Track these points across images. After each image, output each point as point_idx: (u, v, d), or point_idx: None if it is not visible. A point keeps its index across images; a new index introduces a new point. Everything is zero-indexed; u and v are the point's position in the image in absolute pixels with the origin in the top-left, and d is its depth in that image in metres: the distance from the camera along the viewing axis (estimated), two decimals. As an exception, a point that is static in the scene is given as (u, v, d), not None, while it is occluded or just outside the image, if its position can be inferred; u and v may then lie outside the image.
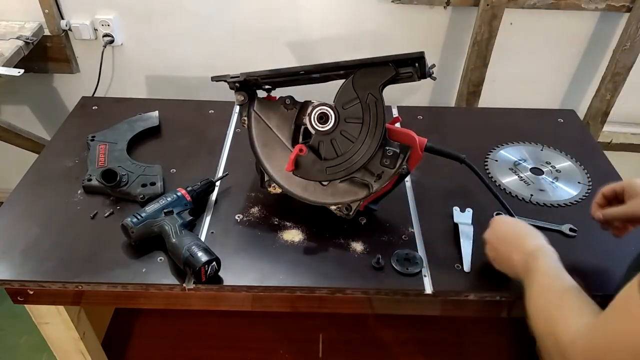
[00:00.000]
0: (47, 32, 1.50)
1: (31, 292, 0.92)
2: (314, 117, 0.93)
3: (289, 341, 1.31)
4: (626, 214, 0.83)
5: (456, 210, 1.01)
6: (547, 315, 0.66)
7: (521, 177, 1.13)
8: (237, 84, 0.96)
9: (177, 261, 0.89)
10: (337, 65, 0.91)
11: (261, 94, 1.01)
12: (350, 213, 0.95)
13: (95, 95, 1.56)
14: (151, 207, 0.94)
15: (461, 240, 0.95)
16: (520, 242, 0.81)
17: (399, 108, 1.35)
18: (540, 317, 0.67)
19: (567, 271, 0.72)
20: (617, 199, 0.87)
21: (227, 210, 1.03)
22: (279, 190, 0.99)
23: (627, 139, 1.65)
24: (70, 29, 1.51)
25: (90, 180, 1.06)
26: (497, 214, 0.99)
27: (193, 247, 0.87)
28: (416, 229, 0.99)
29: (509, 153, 1.20)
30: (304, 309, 0.94)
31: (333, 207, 0.96)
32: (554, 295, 0.68)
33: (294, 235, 0.98)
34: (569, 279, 0.71)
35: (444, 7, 1.42)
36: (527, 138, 1.24)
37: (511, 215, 0.97)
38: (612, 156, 1.22)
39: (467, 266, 0.91)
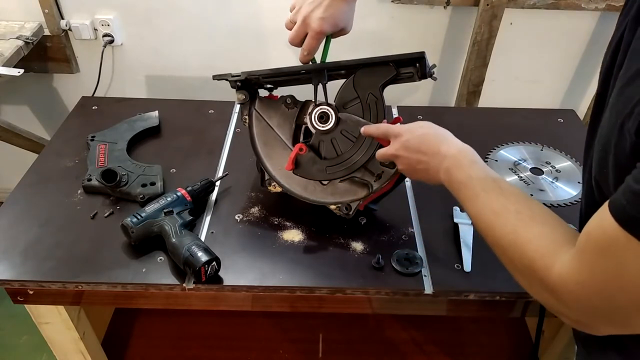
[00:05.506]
0: (47, 32, 1.50)
1: (31, 292, 0.92)
2: (314, 117, 0.93)
3: (289, 341, 1.31)
4: None
5: (456, 210, 1.01)
6: (517, 251, 0.60)
7: (521, 177, 1.13)
8: (238, 83, 0.96)
9: (177, 261, 0.89)
10: (337, 65, 0.91)
11: (262, 93, 1.01)
12: (350, 213, 0.95)
13: (95, 95, 1.56)
14: (151, 207, 0.94)
15: (461, 240, 0.95)
16: (436, 152, 0.76)
17: (399, 108, 1.35)
18: (507, 251, 0.62)
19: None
20: None
21: (227, 210, 1.03)
22: (279, 189, 0.99)
23: (627, 139, 1.65)
24: (70, 29, 1.51)
25: (90, 180, 1.06)
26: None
27: (193, 247, 0.87)
28: (416, 229, 0.99)
29: (509, 153, 1.20)
30: (304, 308, 0.93)
31: (333, 207, 0.96)
32: (509, 221, 0.62)
33: (294, 235, 0.98)
34: (506, 184, 0.67)
35: (444, 7, 1.42)
36: (527, 138, 1.24)
37: None
38: (612, 156, 1.22)
39: (467, 266, 0.91)
